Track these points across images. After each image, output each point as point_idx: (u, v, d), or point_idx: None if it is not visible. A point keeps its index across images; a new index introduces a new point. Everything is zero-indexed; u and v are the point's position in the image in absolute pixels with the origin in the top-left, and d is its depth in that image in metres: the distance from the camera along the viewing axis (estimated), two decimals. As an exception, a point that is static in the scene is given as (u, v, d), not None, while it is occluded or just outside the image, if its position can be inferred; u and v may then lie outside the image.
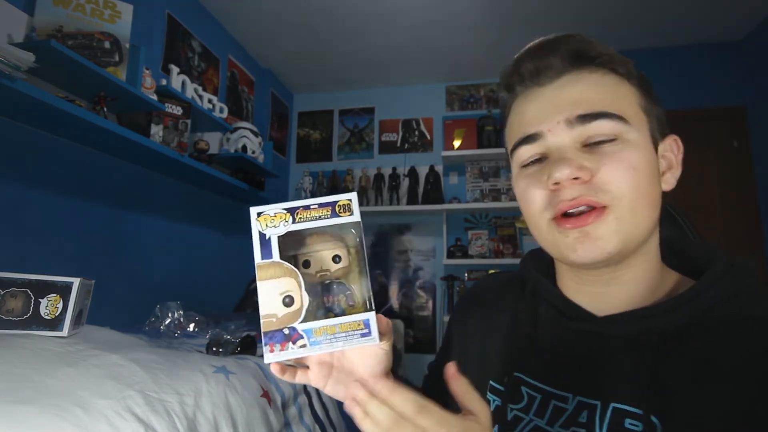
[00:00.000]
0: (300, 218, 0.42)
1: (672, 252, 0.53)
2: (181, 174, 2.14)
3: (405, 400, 0.36)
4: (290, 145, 3.58)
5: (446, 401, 0.63)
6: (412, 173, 3.19)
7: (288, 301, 0.41)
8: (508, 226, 3.10)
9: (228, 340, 1.17)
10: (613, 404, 0.43)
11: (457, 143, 3.20)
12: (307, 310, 0.41)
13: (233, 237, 2.74)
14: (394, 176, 3.23)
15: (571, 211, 0.44)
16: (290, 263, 0.42)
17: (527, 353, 0.52)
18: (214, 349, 1.14)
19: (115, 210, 1.86)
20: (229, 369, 0.92)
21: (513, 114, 0.50)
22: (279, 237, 0.42)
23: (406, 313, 3.16)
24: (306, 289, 0.41)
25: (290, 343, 0.40)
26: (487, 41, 2.82)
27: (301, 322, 0.41)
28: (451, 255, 3.01)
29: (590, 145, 0.44)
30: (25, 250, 1.48)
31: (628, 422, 0.41)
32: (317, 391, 1.19)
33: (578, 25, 2.63)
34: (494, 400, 0.52)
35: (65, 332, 0.85)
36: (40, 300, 0.85)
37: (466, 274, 3.08)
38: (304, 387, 1.14)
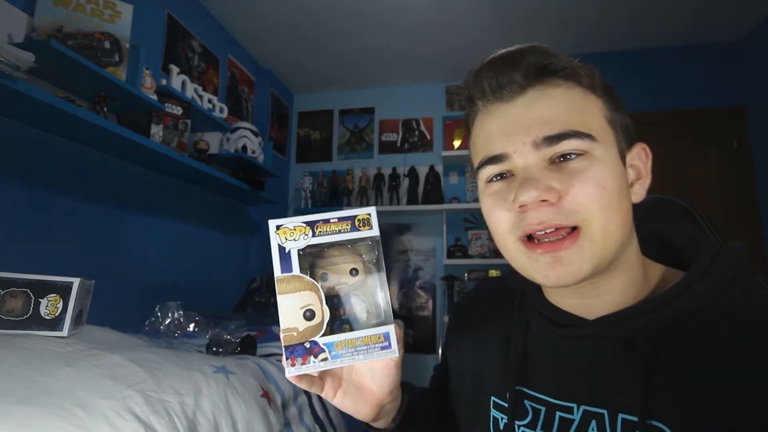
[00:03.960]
0: (320, 232, 0.43)
1: (658, 244, 0.52)
2: (181, 174, 2.14)
3: None
4: (290, 145, 3.58)
5: (448, 399, 0.63)
6: (412, 173, 3.19)
7: (309, 314, 0.41)
8: (508, 226, 3.10)
9: (228, 340, 1.17)
10: (621, 415, 0.42)
11: (457, 143, 3.20)
12: (327, 324, 0.41)
13: (233, 237, 2.73)
14: (394, 176, 3.23)
15: (539, 233, 0.42)
16: (308, 276, 0.42)
17: (525, 365, 0.50)
18: (214, 349, 1.14)
19: (114, 210, 1.86)
20: (229, 369, 0.92)
21: (476, 129, 0.48)
22: (299, 250, 0.42)
23: (406, 313, 3.16)
24: (326, 303, 0.42)
25: (311, 356, 0.41)
26: (487, 41, 2.82)
27: (322, 335, 0.41)
28: (451, 255, 3.01)
29: (557, 162, 0.42)
30: (25, 250, 1.48)
31: None
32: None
33: (578, 25, 2.63)
34: (502, 418, 0.51)
35: (65, 332, 0.85)
36: (40, 300, 0.85)
37: (466, 274, 3.08)
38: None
